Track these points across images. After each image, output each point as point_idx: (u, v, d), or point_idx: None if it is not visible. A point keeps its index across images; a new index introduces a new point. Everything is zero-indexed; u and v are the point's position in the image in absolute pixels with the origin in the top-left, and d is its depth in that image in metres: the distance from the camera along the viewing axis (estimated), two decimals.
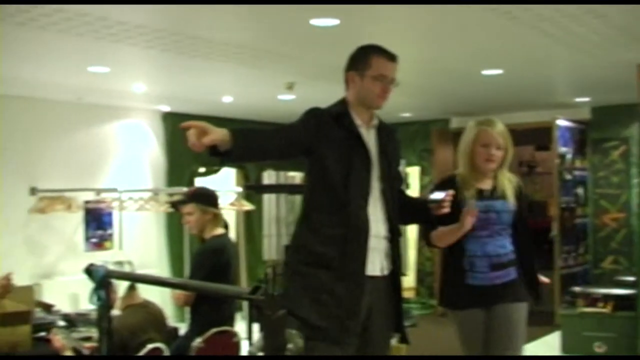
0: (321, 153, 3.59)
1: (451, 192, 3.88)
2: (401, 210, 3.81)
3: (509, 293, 4.44)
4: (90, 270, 3.39)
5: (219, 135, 3.18)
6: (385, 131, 3.83)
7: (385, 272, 3.70)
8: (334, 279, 3.51)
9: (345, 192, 3.56)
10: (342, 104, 3.76)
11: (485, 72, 7.78)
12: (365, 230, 3.58)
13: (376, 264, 3.65)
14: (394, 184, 3.81)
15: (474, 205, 4.23)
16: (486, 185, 4.53)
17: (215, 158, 3.32)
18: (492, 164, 4.50)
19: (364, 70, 3.70)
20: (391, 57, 3.74)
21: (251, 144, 3.40)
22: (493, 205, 4.45)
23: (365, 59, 3.71)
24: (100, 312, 3.32)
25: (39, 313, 5.69)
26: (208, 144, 3.18)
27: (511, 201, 4.50)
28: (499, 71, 7.77)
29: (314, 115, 3.64)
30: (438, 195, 3.83)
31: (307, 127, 3.59)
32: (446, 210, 3.83)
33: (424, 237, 4.62)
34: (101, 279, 3.32)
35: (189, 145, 3.19)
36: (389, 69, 3.72)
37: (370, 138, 3.73)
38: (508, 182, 4.57)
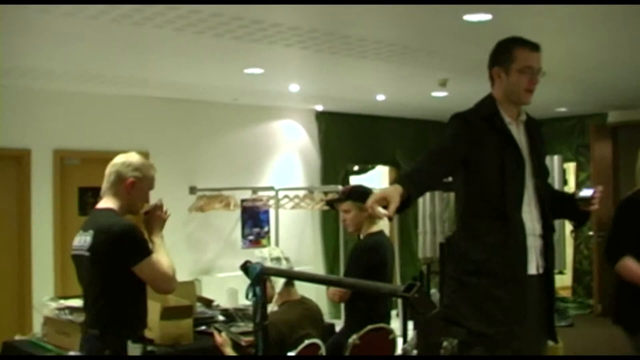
0: (476, 160, 3.53)
1: (600, 187, 3.72)
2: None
3: None
4: (246, 267, 3.46)
5: (397, 198, 3.10)
6: (533, 126, 3.75)
7: (541, 271, 3.62)
8: (497, 285, 3.47)
9: (502, 198, 3.51)
10: (491, 102, 3.67)
11: None
12: (523, 233, 3.52)
13: (532, 263, 3.58)
14: (545, 179, 3.74)
15: None
16: None
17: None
18: None
19: (509, 64, 3.58)
20: (534, 47, 3.61)
21: (420, 186, 3.33)
22: None
23: (509, 53, 3.60)
24: (256, 308, 3.39)
25: (199, 308, 5.85)
26: (395, 210, 3.11)
27: None
28: None
29: (462, 124, 3.58)
30: (587, 192, 3.69)
31: (458, 142, 3.53)
32: (595, 207, 3.67)
33: (611, 256, 4.43)
34: (257, 276, 3.39)
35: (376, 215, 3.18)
36: (534, 60, 3.59)
37: (520, 135, 3.66)
38: None
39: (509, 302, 3.47)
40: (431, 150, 3.60)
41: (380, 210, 3.06)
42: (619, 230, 4.47)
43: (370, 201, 3.11)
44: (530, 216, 3.58)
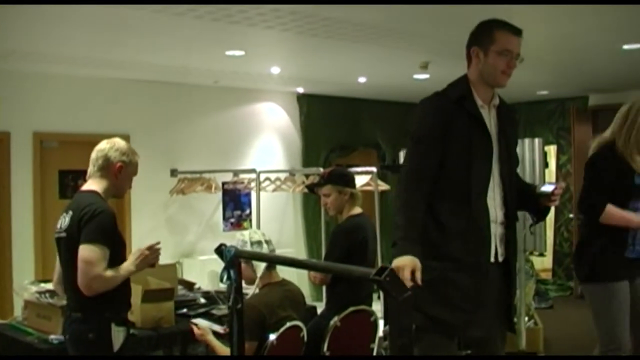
0: (445, 143, 3.50)
1: (562, 184, 3.75)
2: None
3: None
4: (221, 250, 3.46)
5: (418, 263, 3.19)
6: (505, 111, 3.70)
7: (500, 259, 3.58)
8: (458, 270, 3.44)
9: (468, 182, 3.47)
10: (464, 83, 3.62)
11: (627, 46, 7.50)
12: (486, 218, 3.49)
13: (492, 251, 3.54)
14: (512, 166, 3.69)
15: None
16: None
17: None
18: None
19: (488, 45, 3.54)
20: (516, 31, 3.57)
21: (419, 236, 3.37)
22: None
23: (489, 34, 3.56)
24: (230, 291, 3.38)
25: (181, 290, 5.85)
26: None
27: None
28: (639, 45, 7.48)
29: (428, 117, 3.57)
30: (548, 187, 3.65)
31: (435, 141, 3.50)
32: (554, 203, 3.67)
33: (593, 211, 4.64)
34: (231, 259, 3.39)
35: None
36: (513, 44, 3.55)
37: (491, 118, 3.62)
38: None
39: (468, 288, 3.45)
40: (408, 181, 3.52)
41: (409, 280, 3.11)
42: (594, 186, 4.71)
43: (406, 280, 3.10)
44: (493, 202, 3.55)
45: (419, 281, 3.12)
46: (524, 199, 3.74)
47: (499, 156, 3.58)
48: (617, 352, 4.56)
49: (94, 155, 4.11)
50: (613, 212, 4.58)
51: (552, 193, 3.61)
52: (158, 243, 4.14)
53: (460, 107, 3.53)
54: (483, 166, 3.52)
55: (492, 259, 3.54)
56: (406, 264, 3.15)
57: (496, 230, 3.56)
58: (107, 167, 4.08)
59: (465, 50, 3.68)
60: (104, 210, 3.92)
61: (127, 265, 4.01)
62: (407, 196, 3.44)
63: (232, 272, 3.41)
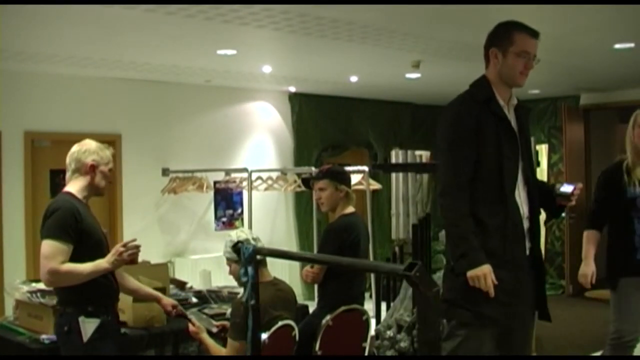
0: (476, 145, 3.63)
1: (580, 185, 3.86)
2: None
3: None
4: (238, 248, 3.46)
5: (491, 270, 3.50)
6: (523, 110, 3.86)
7: (528, 252, 3.73)
8: (498, 267, 3.55)
9: (501, 182, 3.61)
10: (485, 84, 3.74)
11: (617, 45, 7.53)
12: (519, 214, 3.66)
13: (526, 245, 3.72)
14: (532, 163, 3.85)
15: None
16: None
17: None
18: None
19: (507, 46, 3.68)
20: (534, 34, 3.72)
21: (475, 236, 3.58)
22: None
23: (508, 35, 3.69)
24: (247, 288, 3.40)
25: (172, 290, 5.83)
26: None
27: None
28: (630, 45, 7.50)
29: (460, 121, 3.65)
30: (567, 187, 3.81)
31: (469, 143, 3.62)
32: (572, 203, 3.84)
33: (586, 225, 5.22)
34: (249, 256, 3.39)
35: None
36: (531, 46, 3.70)
37: (511, 118, 3.75)
38: None
39: (509, 283, 3.58)
40: (453, 190, 3.64)
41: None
42: (594, 200, 5.27)
43: (489, 287, 3.47)
44: (520, 199, 3.70)
45: (495, 283, 3.45)
46: (541, 197, 3.87)
47: (522, 154, 3.73)
48: (617, 342, 5.00)
49: (67, 160, 4.26)
50: (585, 237, 5.21)
51: (572, 193, 3.77)
52: (134, 240, 4.12)
53: (487, 108, 3.66)
54: (512, 165, 3.67)
55: (527, 252, 3.72)
56: (486, 273, 3.44)
57: (526, 225, 3.71)
58: (80, 169, 4.22)
59: (483, 51, 3.80)
60: (62, 207, 4.05)
61: (100, 262, 4.03)
62: (459, 206, 3.60)
63: (250, 269, 3.43)
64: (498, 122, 3.65)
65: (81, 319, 4.02)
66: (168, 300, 4.71)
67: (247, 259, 3.41)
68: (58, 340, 4.19)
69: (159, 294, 4.73)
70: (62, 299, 4.14)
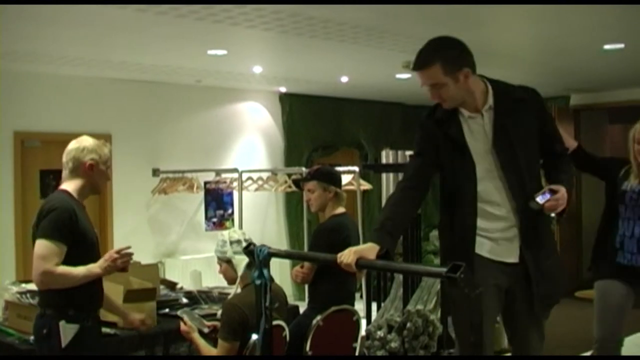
0: (439, 163, 3.61)
1: (558, 195, 3.41)
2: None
3: None
4: (251, 250, 3.44)
5: (372, 257, 3.29)
6: (508, 104, 3.54)
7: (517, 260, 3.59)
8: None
9: (454, 199, 3.59)
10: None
11: (607, 46, 7.54)
12: (472, 233, 3.51)
13: (514, 252, 3.55)
14: (520, 161, 3.50)
15: None
16: None
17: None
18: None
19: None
20: (414, 67, 3.77)
21: (394, 233, 3.48)
22: None
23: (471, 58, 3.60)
24: (260, 290, 3.38)
25: (163, 290, 5.83)
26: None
27: None
28: (620, 45, 7.52)
29: (420, 135, 3.67)
30: (541, 199, 3.38)
31: (423, 160, 3.63)
32: (552, 212, 3.51)
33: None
34: (264, 258, 3.38)
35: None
36: (420, 78, 3.71)
37: (484, 124, 3.53)
38: None
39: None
40: (400, 183, 3.67)
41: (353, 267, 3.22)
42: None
43: (344, 260, 3.23)
44: (502, 210, 3.52)
45: (353, 269, 3.23)
46: None
47: (500, 163, 3.50)
48: (596, 346, 4.94)
49: (64, 158, 4.14)
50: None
51: (542, 205, 3.39)
52: (128, 247, 4.06)
53: (440, 127, 3.58)
54: (468, 188, 3.51)
55: (516, 260, 3.55)
56: (358, 253, 3.26)
57: (511, 234, 3.54)
58: (78, 168, 4.09)
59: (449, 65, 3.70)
60: (59, 206, 3.93)
61: (92, 267, 3.96)
62: (390, 198, 3.61)
63: (265, 272, 3.41)
64: (451, 145, 3.52)
65: (62, 323, 3.89)
66: (133, 317, 4.48)
67: (262, 261, 3.40)
68: (35, 342, 4.07)
69: (125, 311, 4.54)
70: (44, 299, 4.01)
